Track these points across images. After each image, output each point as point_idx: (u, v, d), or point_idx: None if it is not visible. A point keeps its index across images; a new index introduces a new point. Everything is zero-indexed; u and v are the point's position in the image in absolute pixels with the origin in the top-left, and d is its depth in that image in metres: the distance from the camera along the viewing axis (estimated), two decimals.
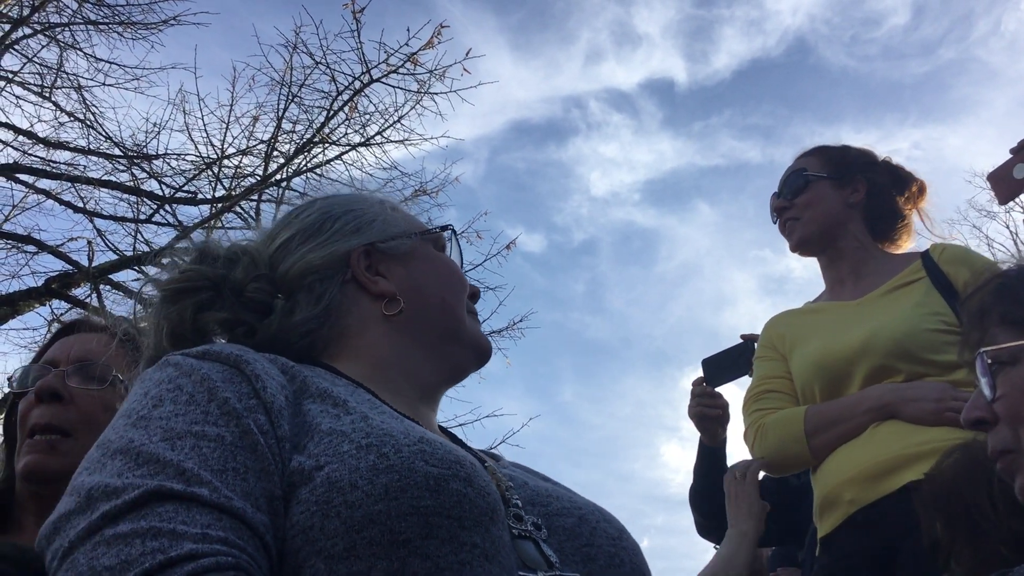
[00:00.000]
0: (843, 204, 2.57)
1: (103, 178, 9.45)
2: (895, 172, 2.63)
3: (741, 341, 2.93)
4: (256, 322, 1.25)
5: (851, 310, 2.45)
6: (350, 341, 1.27)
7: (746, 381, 2.87)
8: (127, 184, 9.54)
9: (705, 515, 3.07)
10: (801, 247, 2.62)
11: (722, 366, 2.95)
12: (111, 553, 0.82)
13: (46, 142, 9.42)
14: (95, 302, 9.01)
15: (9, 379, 1.64)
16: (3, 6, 9.07)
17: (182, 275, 1.27)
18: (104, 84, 9.55)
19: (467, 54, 9.38)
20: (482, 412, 9.97)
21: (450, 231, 1.45)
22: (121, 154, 9.55)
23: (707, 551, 3.11)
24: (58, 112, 9.55)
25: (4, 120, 9.30)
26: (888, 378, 2.23)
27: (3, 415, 1.79)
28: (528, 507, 1.08)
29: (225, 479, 0.90)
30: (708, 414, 2.96)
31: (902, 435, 2.12)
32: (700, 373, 3.01)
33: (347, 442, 0.96)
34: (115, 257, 9.44)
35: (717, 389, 2.98)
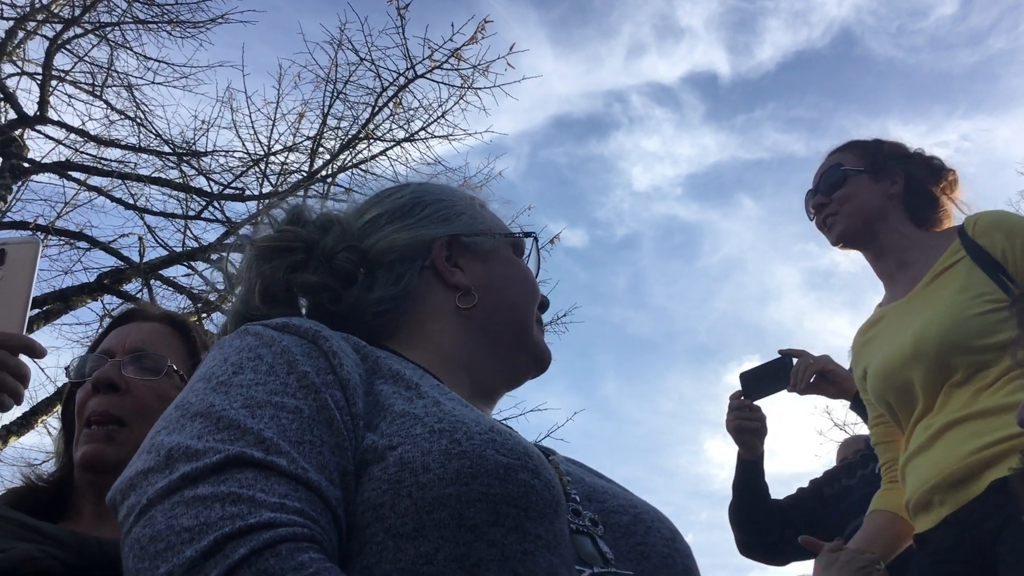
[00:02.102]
0: (883, 196, 2.52)
1: (153, 175, 9.59)
2: (929, 162, 2.59)
3: (779, 356, 2.91)
4: (342, 290, 1.28)
5: (902, 310, 2.41)
6: (420, 328, 1.29)
7: (783, 395, 2.89)
8: (176, 181, 9.68)
9: (746, 532, 3.06)
10: (843, 239, 2.57)
11: (760, 380, 2.94)
12: (190, 514, 0.83)
13: (97, 140, 9.60)
14: (146, 297, 9.17)
15: (66, 369, 1.67)
16: (55, 6, 9.24)
17: (279, 234, 1.30)
18: (153, 82, 9.71)
19: (511, 49, 9.39)
20: (526, 406, 9.97)
21: (532, 238, 1.48)
22: (170, 151, 9.69)
23: None
24: (109, 110, 9.74)
25: (56, 118, 9.50)
26: (947, 378, 2.18)
27: (61, 405, 1.82)
28: (585, 503, 1.09)
29: (302, 451, 0.91)
30: (747, 427, 2.96)
31: (975, 437, 2.08)
32: (746, 367, 3.01)
33: (420, 425, 0.97)
34: (165, 253, 9.59)
35: (755, 403, 2.97)
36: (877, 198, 2.52)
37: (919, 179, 2.55)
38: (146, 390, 1.65)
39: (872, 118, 17.41)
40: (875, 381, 2.37)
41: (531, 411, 10.07)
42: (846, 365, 2.78)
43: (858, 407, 2.84)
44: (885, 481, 2.51)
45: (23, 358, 1.48)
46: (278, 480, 0.87)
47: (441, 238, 1.34)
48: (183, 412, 0.96)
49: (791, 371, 2.81)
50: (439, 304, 1.30)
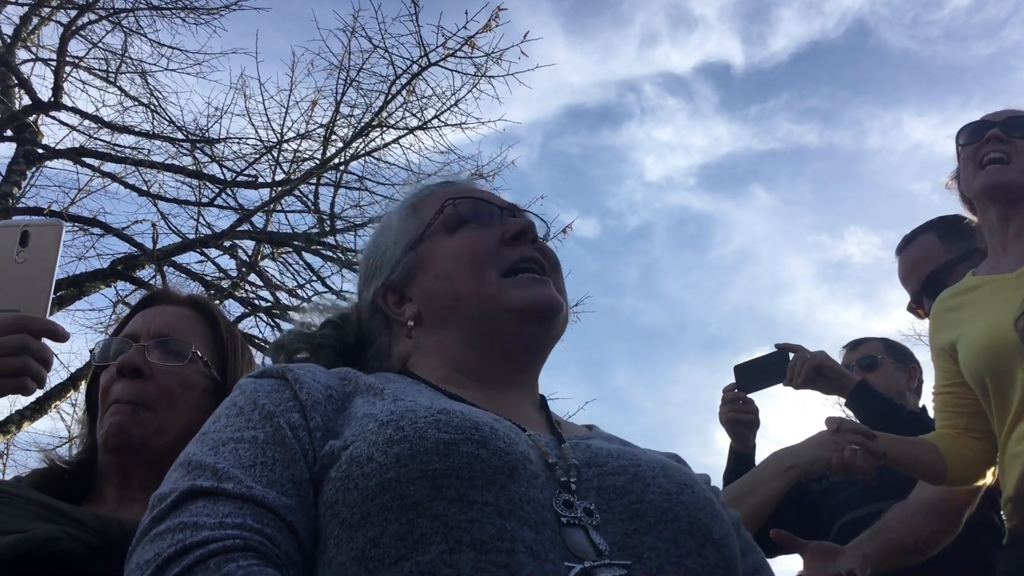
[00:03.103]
0: None
1: (166, 162, 9.61)
2: None
3: (776, 350, 2.90)
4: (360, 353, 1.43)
5: (1010, 284, 2.30)
6: (415, 359, 1.33)
7: (778, 389, 2.88)
8: (190, 168, 9.70)
9: None
10: (998, 191, 2.41)
11: (755, 373, 2.93)
12: (150, 548, 0.93)
13: (111, 126, 9.63)
14: (159, 283, 9.19)
15: (91, 352, 1.68)
16: None
17: (317, 341, 1.41)
18: (167, 69, 9.77)
19: (525, 37, 9.34)
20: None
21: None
22: (184, 138, 9.71)
23: None
24: (123, 96, 9.80)
25: (71, 104, 9.53)
26: None
27: (86, 387, 1.83)
28: (585, 469, 1.07)
29: (253, 472, 0.99)
30: (740, 419, 2.96)
31: None
32: (742, 360, 3.00)
33: (372, 421, 1.03)
34: (178, 240, 9.62)
35: (749, 396, 2.96)
36: None
37: None
38: (170, 375, 1.66)
39: (886, 109, 17.35)
40: (976, 353, 2.29)
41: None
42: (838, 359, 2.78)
43: (854, 406, 2.83)
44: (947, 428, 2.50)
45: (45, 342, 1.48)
46: (224, 502, 0.95)
47: (379, 292, 1.39)
48: (174, 465, 1.07)
49: (787, 365, 2.80)
50: (411, 336, 1.35)
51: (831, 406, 3.10)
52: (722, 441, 3.10)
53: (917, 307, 2.99)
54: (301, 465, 1.01)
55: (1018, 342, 2.12)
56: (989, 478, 2.43)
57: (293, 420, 1.06)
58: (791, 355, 2.82)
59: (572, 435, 1.20)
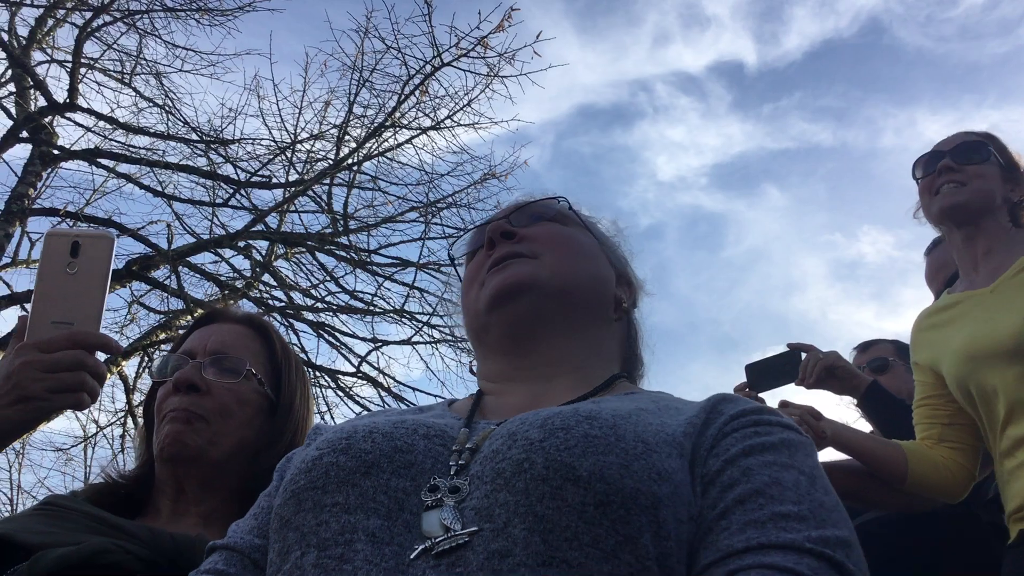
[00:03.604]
0: (1003, 195, 2.49)
1: (181, 163, 9.64)
2: None
3: (788, 350, 2.91)
4: None
5: (986, 299, 2.37)
6: None
7: (790, 388, 2.89)
8: (204, 168, 9.73)
9: None
10: (955, 211, 2.48)
11: (767, 373, 2.92)
12: None
13: (126, 127, 9.67)
14: (174, 284, 9.24)
15: (149, 368, 1.69)
16: None
17: None
18: (181, 70, 9.81)
19: (537, 37, 9.35)
20: None
21: (449, 256, 1.55)
22: (198, 139, 9.74)
23: None
24: (137, 98, 9.84)
25: (86, 106, 9.56)
26: None
27: (143, 403, 1.85)
28: (488, 444, 1.04)
29: (246, 522, 1.15)
30: None
31: None
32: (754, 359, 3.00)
33: None
34: (193, 240, 9.65)
35: (760, 395, 2.97)
36: (999, 193, 2.48)
37: None
38: (225, 391, 1.68)
39: (901, 108, 17.26)
40: (960, 364, 2.32)
41: None
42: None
43: (866, 407, 2.85)
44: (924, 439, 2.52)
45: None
46: (218, 553, 1.12)
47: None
48: None
49: (799, 365, 2.81)
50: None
51: (844, 406, 3.09)
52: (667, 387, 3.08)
53: None
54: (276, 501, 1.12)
55: (1012, 351, 2.17)
56: (959, 489, 2.45)
57: (288, 473, 1.15)
58: (803, 355, 2.83)
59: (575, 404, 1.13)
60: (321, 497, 0.99)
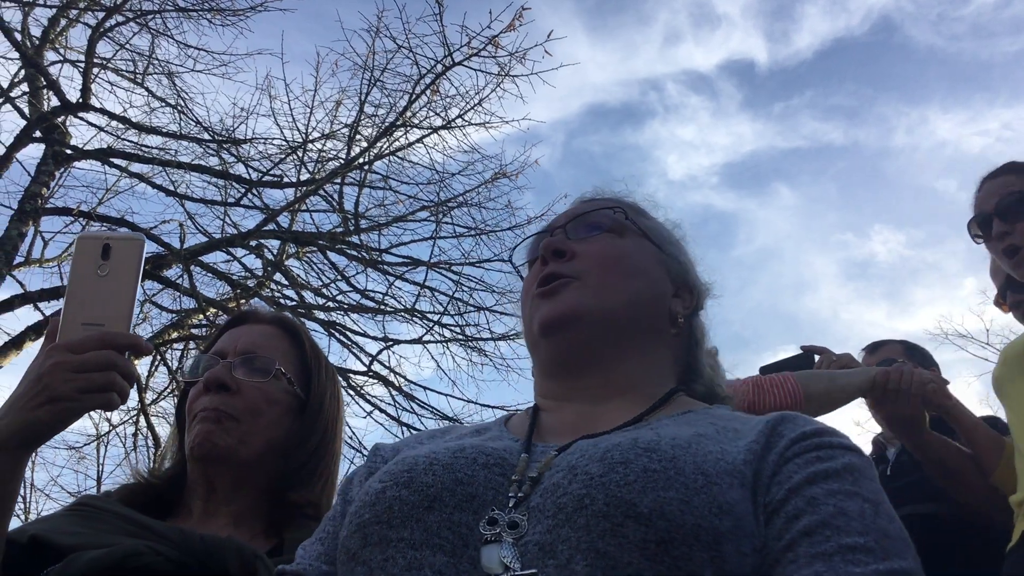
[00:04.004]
0: None
1: (193, 162, 9.68)
2: None
3: (801, 352, 2.91)
4: None
5: None
6: None
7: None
8: (216, 168, 9.77)
9: None
10: None
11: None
12: None
13: (139, 127, 9.70)
14: (186, 283, 9.26)
15: (179, 369, 1.71)
16: None
17: None
18: (194, 70, 9.84)
19: (548, 36, 9.35)
20: None
21: (509, 259, 1.55)
22: (210, 139, 9.78)
23: None
24: (150, 97, 9.88)
25: (98, 106, 9.60)
26: None
27: (175, 404, 1.86)
28: (549, 474, 1.04)
29: (312, 547, 1.19)
30: None
31: None
32: (767, 361, 3.00)
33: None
34: (205, 239, 9.69)
35: None
36: None
37: None
38: (255, 391, 1.69)
39: (912, 106, 17.26)
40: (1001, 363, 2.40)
41: None
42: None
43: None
44: None
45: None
46: None
47: None
48: None
49: (813, 367, 2.81)
50: None
51: (857, 407, 3.09)
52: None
53: (1001, 302, 2.98)
54: (336, 534, 1.15)
55: None
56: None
57: (351, 494, 1.22)
58: (817, 357, 2.84)
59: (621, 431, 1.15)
60: (387, 532, 1.01)
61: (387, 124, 10.03)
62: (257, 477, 1.69)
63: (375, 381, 10.01)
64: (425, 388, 10.10)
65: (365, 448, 9.39)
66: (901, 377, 2.54)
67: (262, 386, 1.70)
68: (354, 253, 10.30)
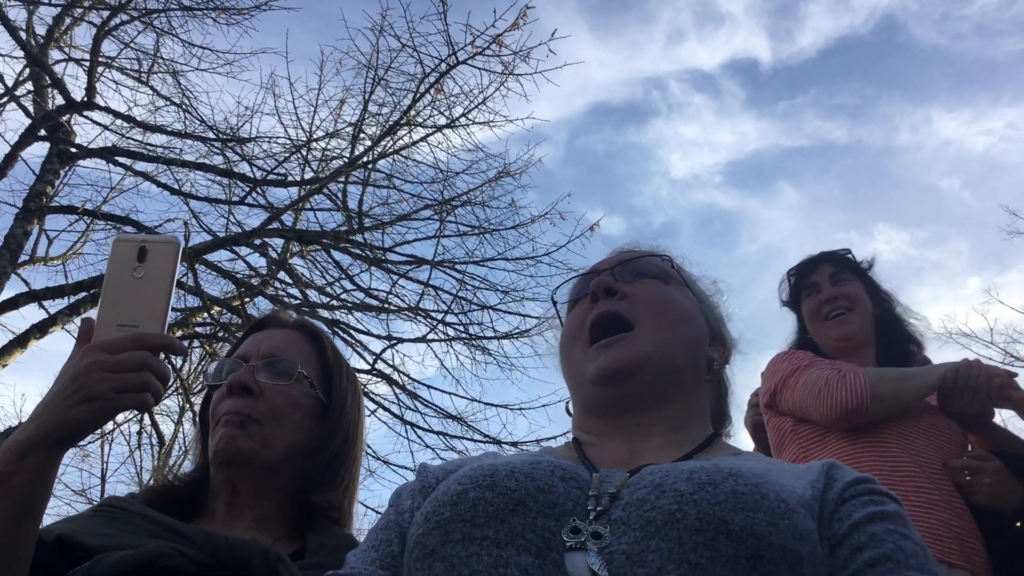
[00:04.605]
0: None
1: (198, 161, 9.66)
2: None
3: None
4: None
5: None
6: None
7: None
8: (220, 167, 9.75)
9: None
10: None
11: None
12: None
13: (143, 125, 9.70)
14: (191, 281, 9.27)
15: (204, 373, 1.73)
16: None
17: None
18: (198, 69, 9.85)
19: (552, 35, 9.32)
20: (565, 394, 9.94)
21: (551, 298, 1.59)
22: (215, 137, 9.77)
23: None
24: (154, 96, 9.88)
25: (103, 104, 9.61)
26: None
27: (199, 407, 1.88)
28: (627, 491, 1.09)
29: (365, 554, 1.21)
30: (763, 424, 2.97)
31: None
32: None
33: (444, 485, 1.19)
34: (209, 238, 9.66)
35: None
36: None
37: None
38: (277, 394, 1.71)
39: (916, 105, 17.25)
40: None
41: (560, 401, 10.04)
42: None
43: None
44: None
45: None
46: None
47: None
48: None
49: None
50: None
51: None
52: (749, 442, 3.13)
53: None
54: (397, 542, 1.19)
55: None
56: None
57: (403, 506, 1.26)
58: None
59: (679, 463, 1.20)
60: (470, 530, 1.04)
61: (391, 123, 10.03)
62: (280, 480, 1.71)
63: (379, 380, 10.01)
64: (429, 387, 10.10)
65: (369, 447, 9.42)
66: (970, 373, 2.56)
67: (285, 389, 1.72)
68: (358, 252, 10.30)
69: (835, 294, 2.98)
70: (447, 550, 1.04)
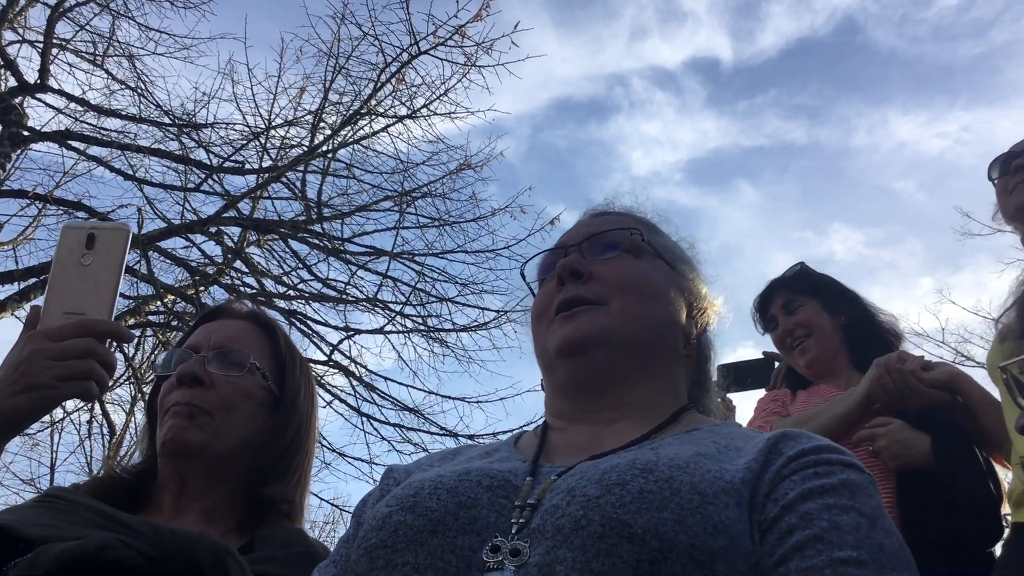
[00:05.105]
0: None
1: (153, 146, 9.50)
2: None
3: (763, 357, 2.97)
4: None
5: None
6: None
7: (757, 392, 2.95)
8: (176, 153, 9.58)
9: None
10: None
11: (740, 375, 3.01)
12: None
13: (98, 109, 9.53)
14: (144, 269, 9.14)
15: (152, 364, 1.70)
16: None
17: None
18: (155, 53, 9.68)
19: (516, 27, 9.31)
20: (523, 387, 9.97)
21: (520, 272, 1.56)
22: (171, 123, 9.61)
23: None
24: (110, 80, 9.69)
25: (57, 87, 9.42)
26: None
27: (147, 398, 1.85)
28: (550, 496, 1.06)
29: (325, 570, 1.21)
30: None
31: None
32: (728, 360, 3.07)
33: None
34: (164, 225, 9.51)
35: (728, 395, 3.03)
36: None
37: None
38: (229, 385, 1.68)
39: (874, 107, 17.48)
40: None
41: (527, 392, 10.06)
42: None
43: (763, 379, 2.98)
44: None
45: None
46: None
47: None
48: None
49: (772, 373, 2.86)
50: None
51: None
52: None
53: None
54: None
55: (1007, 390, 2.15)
56: None
57: (364, 516, 1.24)
58: (776, 363, 2.90)
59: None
60: (392, 556, 1.04)
61: (351, 112, 9.95)
62: (230, 473, 1.68)
63: (335, 371, 9.96)
64: (386, 379, 10.08)
65: (324, 439, 9.37)
66: (894, 380, 2.56)
67: (236, 380, 1.69)
68: (316, 242, 10.22)
69: (790, 326, 2.98)
70: None
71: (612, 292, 1.34)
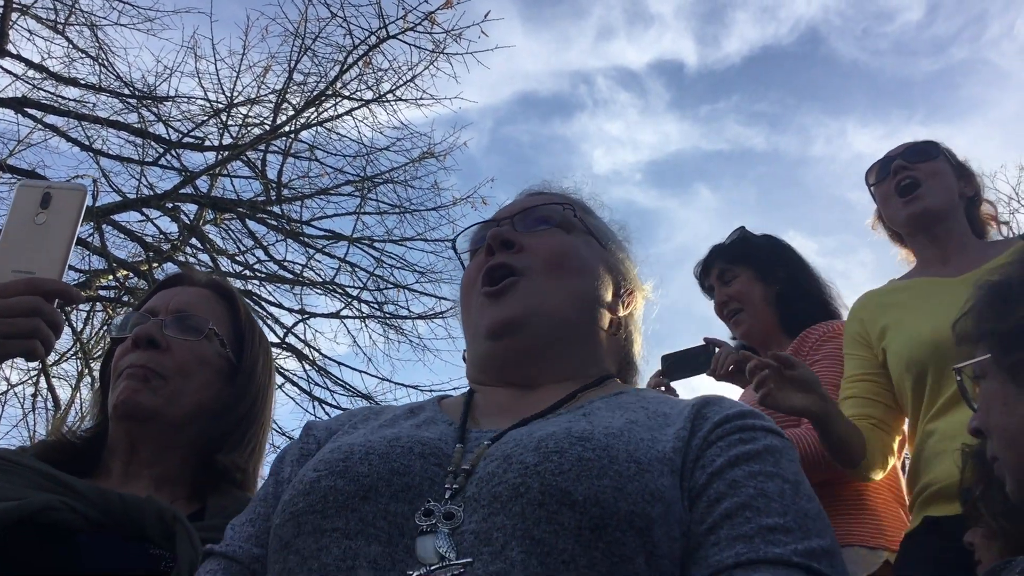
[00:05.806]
0: (958, 191, 2.58)
1: (111, 118, 9.30)
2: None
3: (703, 343, 3.00)
4: None
5: (954, 286, 2.29)
6: None
7: (701, 379, 2.99)
8: (134, 125, 9.40)
9: None
10: (924, 218, 2.53)
11: (681, 363, 3.03)
12: None
13: (56, 77, 9.28)
14: (96, 241, 8.98)
15: (109, 326, 1.66)
16: None
17: None
18: (117, 23, 9.42)
19: (486, 16, 9.28)
20: None
21: (452, 244, 1.59)
22: (130, 94, 9.42)
23: None
24: (70, 48, 9.44)
25: (15, 52, 9.20)
26: None
27: (101, 361, 1.80)
28: (483, 464, 1.05)
29: (242, 529, 1.18)
30: None
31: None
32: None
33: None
34: (119, 198, 9.33)
35: (673, 384, 3.06)
36: (955, 189, 2.57)
37: (978, 195, 2.65)
38: (186, 350, 1.65)
39: (833, 118, 17.68)
40: (922, 347, 2.28)
41: None
42: None
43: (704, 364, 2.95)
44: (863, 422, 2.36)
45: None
46: (215, 560, 1.16)
47: None
48: None
49: (712, 358, 2.90)
50: None
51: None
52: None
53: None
54: (272, 511, 1.15)
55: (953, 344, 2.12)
56: (882, 476, 2.41)
57: (283, 474, 1.23)
58: (716, 349, 2.92)
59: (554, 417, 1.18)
60: (321, 522, 1.01)
61: (316, 93, 9.85)
62: (183, 439, 1.65)
63: (288, 354, 9.90)
64: (340, 364, 10.04)
65: (275, 423, 9.28)
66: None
67: (193, 346, 1.66)
68: (274, 223, 10.13)
69: (723, 298, 3.05)
70: (300, 543, 1.01)
71: (538, 263, 1.35)
